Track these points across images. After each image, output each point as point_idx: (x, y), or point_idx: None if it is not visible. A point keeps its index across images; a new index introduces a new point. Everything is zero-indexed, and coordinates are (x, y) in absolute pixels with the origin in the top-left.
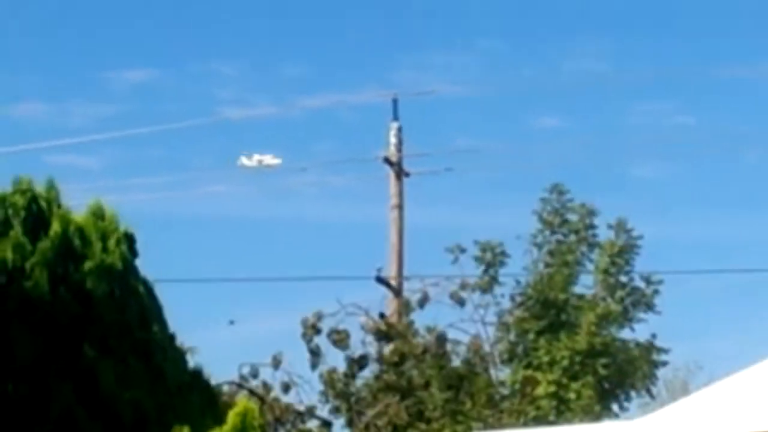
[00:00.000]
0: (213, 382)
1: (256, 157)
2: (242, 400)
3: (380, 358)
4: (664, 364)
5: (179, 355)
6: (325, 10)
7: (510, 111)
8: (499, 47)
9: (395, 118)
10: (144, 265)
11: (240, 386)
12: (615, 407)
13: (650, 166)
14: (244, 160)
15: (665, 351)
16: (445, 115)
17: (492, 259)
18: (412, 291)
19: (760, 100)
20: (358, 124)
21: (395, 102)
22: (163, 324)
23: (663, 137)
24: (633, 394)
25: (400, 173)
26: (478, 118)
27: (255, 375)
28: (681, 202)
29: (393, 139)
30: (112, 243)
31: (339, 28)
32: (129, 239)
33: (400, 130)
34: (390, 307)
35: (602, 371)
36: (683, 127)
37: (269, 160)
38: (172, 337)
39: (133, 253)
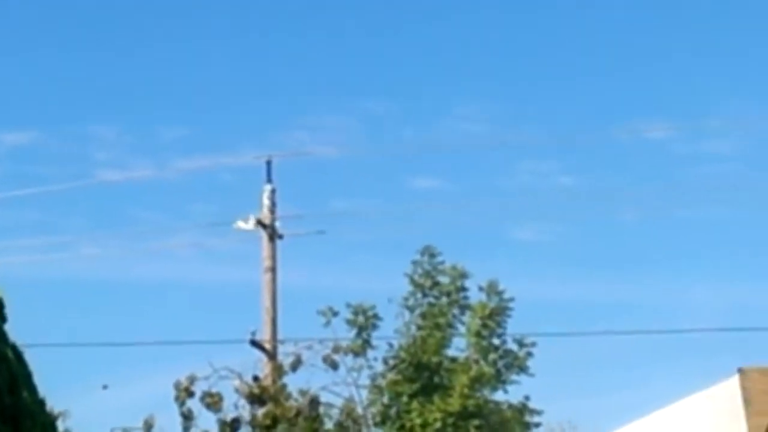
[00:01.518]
0: None
1: (252, 219)
2: None
3: (252, 421)
4: (537, 425)
5: (49, 420)
6: (201, 72)
7: (388, 172)
8: (379, 109)
9: (269, 180)
10: (15, 330)
11: None
12: None
13: (530, 227)
14: (241, 224)
15: (538, 412)
16: (321, 177)
17: (364, 322)
18: (286, 354)
19: (639, 161)
20: (234, 186)
21: (269, 164)
22: (32, 389)
23: (543, 198)
24: None
25: (273, 235)
26: (356, 179)
27: None
28: (559, 264)
29: (266, 201)
30: None
31: (216, 91)
32: None
33: (273, 192)
34: (264, 370)
35: None
36: (564, 187)
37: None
38: (41, 402)
39: (2, 317)
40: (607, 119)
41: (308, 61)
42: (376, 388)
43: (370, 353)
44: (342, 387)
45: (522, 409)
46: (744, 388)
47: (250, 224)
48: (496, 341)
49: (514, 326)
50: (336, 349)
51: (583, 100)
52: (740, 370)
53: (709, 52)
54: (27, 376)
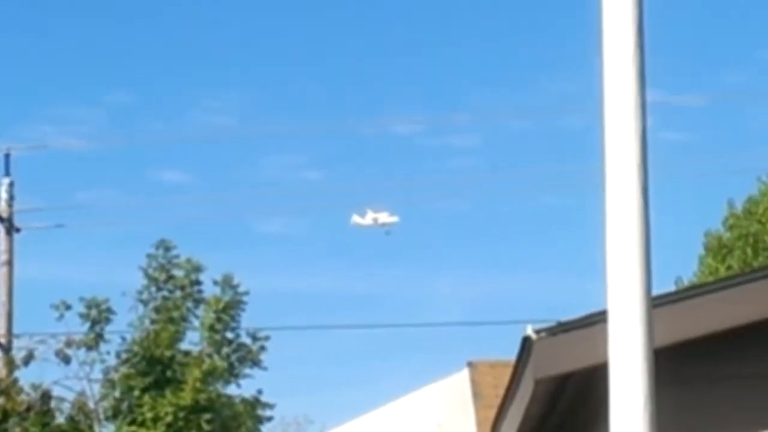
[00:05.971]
0: None
1: (371, 215)
2: None
3: None
4: (269, 419)
5: None
6: None
7: (134, 165)
8: (126, 100)
9: (6, 173)
10: None
11: None
12: None
13: (274, 221)
14: (357, 219)
15: (270, 406)
16: (65, 170)
17: (98, 315)
18: (21, 348)
19: (386, 155)
20: None
21: (7, 157)
22: None
23: (289, 192)
24: None
25: (11, 229)
26: (100, 172)
27: None
28: (304, 257)
29: (4, 195)
30: None
31: None
32: None
33: (11, 185)
34: None
35: (206, 427)
36: (310, 181)
37: (385, 218)
38: None
39: None
40: (355, 113)
41: (50, 51)
42: (108, 382)
43: (104, 347)
44: (74, 381)
45: (254, 403)
46: (473, 382)
47: (368, 219)
48: (230, 335)
49: (252, 320)
50: (68, 343)
51: (330, 94)
52: (470, 364)
53: (455, 45)
54: None
